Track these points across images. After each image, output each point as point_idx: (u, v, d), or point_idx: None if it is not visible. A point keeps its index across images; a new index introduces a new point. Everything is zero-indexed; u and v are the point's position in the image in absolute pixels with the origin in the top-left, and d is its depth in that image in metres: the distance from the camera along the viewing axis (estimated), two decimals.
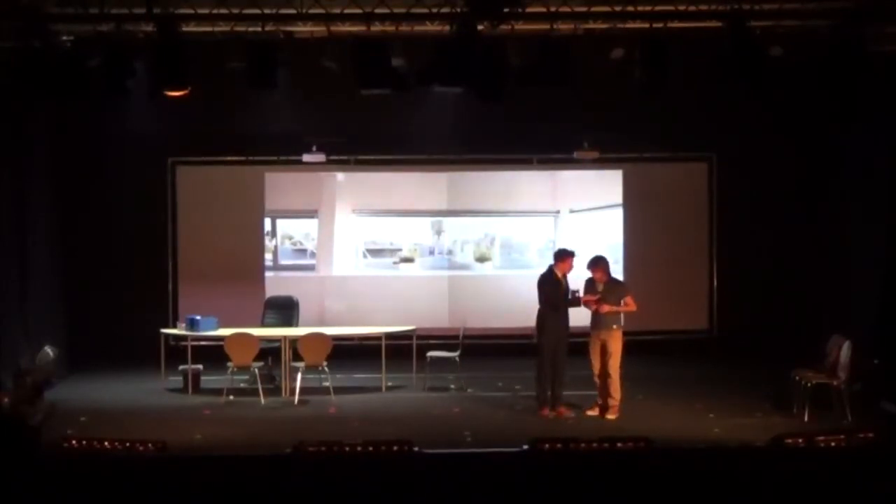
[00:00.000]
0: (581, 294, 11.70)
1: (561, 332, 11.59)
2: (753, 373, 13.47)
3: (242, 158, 15.63)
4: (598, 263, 11.77)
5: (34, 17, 10.77)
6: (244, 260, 15.56)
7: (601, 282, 11.70)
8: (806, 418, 11.17)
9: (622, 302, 11.67)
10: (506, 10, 10.48)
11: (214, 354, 12.87)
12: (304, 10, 10.82)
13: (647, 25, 11.11)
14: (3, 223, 12.67)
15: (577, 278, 11.96)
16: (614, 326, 11.59)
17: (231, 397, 12.49)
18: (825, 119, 14.35)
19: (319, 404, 12.31)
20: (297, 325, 13.78)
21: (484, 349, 14.39)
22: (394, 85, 11.14)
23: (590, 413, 11.71)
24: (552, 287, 11.66)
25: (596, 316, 11.64)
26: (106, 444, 7.40)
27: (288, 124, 14.57)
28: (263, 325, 13.82)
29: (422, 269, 16.01)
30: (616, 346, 11.54)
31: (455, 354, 13.14)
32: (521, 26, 11.12)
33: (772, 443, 7.45)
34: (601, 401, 11.68)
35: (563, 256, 11.81)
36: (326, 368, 12.49)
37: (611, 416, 11.54)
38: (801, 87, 13.02)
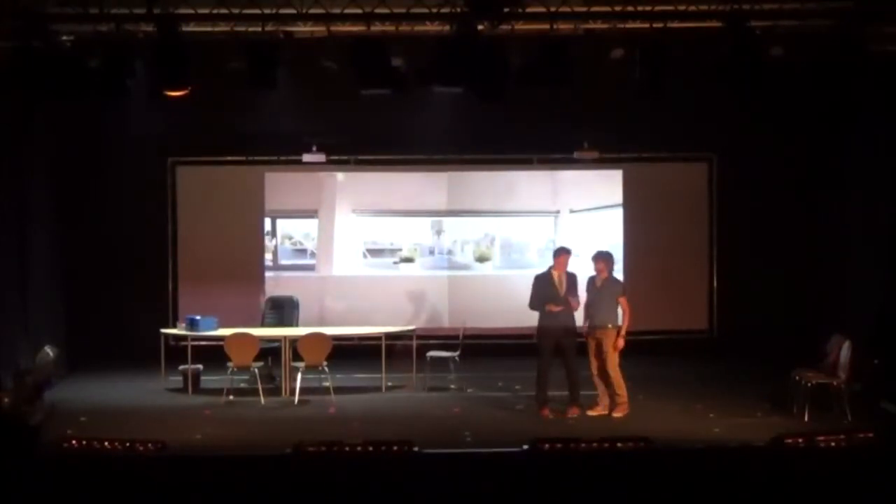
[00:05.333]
0: (585, 293, 11.73)
1: (554, 331, 11.60)
2: (753, 373, 13.48)
3: (242, 158, 15.63)
4: (601, 257, 11.82)
5: (34, 17, 10.76)
6: (244, 260, 15.56)
7: (602, 276, 11.72)
8: (806, 418, 11.16)
9: (615, 302, 11.70)
10: (506, 10, 10.49)
11: (214, 354, 12.87)
12: (304, 10, 10.81)
13: (647, 25, 11.11)
14: (3, 223, 12.66)
15: (581, 280, 11.97)
16: (609, 326, 11.60)
17: (231, 397, 12.49)
18: (825, 119, 14.35)
19: (319, 404, 12.31)
20: (297, 324, 13.78)
21: (484, 349, 14.40)
22: (394, 85, 11.14)
23: (591, 413, 11.71)
24: (540, 286, 11.74)
25: (591, 315, 11.67)
26: (106, 444, 7.40)
27: (288, 124, 14.56)
28: (263, 325, 13.82)
29: (422, 269, 16.00)
30: (609, 344, 11.55)
31: (455, 354, 13.15)
32: (521, 26, 11.12)
33: (772, 443, 7.44)
34: (607, 399, 11.69)
35: (557, 254, 11.93)
36: (326, 368, 12.49)
37: (618, 414, 11.55)
38: (801, 87, 13.02)
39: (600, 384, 11.70)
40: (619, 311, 11.69)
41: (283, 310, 13.97)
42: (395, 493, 6.93)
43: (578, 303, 11.69)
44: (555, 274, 11.73)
